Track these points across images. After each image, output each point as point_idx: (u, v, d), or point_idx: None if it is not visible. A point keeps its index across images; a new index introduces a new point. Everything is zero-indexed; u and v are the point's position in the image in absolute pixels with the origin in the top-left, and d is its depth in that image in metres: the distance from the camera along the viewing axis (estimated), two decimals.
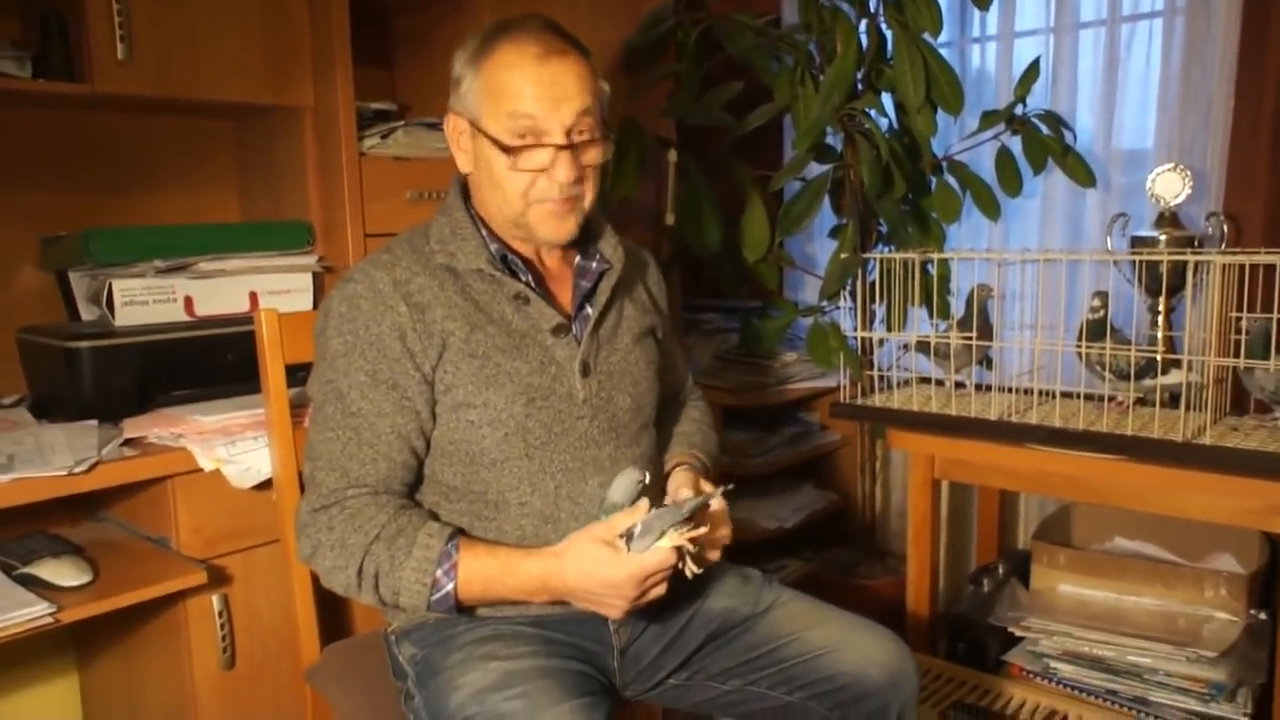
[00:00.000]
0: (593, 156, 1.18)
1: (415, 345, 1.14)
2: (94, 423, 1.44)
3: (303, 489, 1.18)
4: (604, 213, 1.30)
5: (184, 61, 1.62)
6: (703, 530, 1.10)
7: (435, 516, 1.18)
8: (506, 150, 1.14)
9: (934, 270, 2.17)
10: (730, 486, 1.19)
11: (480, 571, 1.11)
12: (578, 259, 1.26)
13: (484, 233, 1.21)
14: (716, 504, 1.18)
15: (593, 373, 1.22)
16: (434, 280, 1.17)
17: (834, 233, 2.33)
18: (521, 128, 1.14)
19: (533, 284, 1.21)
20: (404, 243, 1.21)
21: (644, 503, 1.11)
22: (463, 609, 1.13)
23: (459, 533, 1.14)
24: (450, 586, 1.10)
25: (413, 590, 1.09)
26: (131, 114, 1.80)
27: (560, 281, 1.26)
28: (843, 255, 2.12)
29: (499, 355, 1.16)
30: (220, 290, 1.66)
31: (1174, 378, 1.77)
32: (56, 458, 1.28)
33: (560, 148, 1.14)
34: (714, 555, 1.20)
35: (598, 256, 1.26)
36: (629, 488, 1.13)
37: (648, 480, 1.13)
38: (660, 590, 1.11)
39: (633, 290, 1.33)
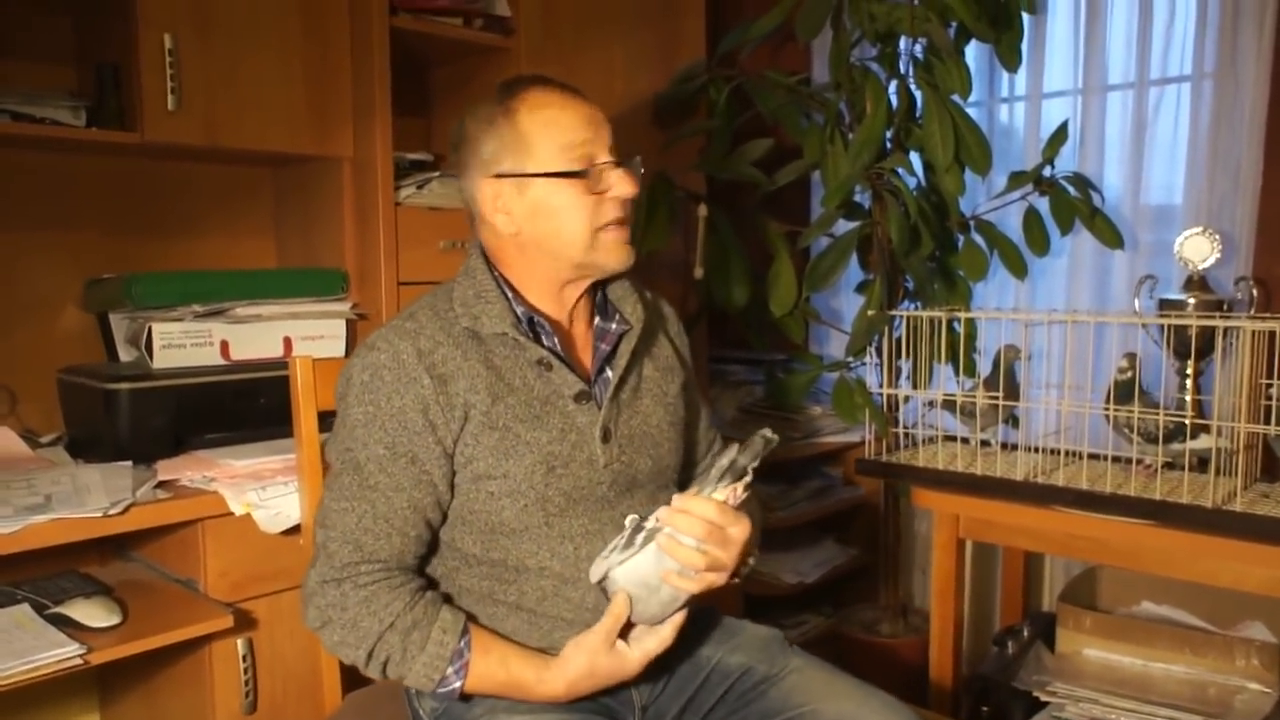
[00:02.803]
0: (634, 170, 1.22)
1: (438, 418, 1.13)
2: (129, 464, 1.47)
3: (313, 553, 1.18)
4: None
5: (230, 112, 1.67)
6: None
7: (449, 599, 1.18)
8: (579, 175, 1.16)
9: (960, 328, 2.17)
10: (773, 438, 1.15)
11: (488, 671, 1.13)
12: (597, 321, 1.26)
13: (509, 295, 1.21)
14: (721, 495, 1.12)
15: (613, 438, 1.21)
16: (457, 349, 1.16)
17: (861, 288, 2.35)
18: (579, 155, 1.16)
19: (557, 349, 1.20)
20: (427, 307, 1.20)
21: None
22: (466, 699, 1.15)
23: (470, 626, 1.14)
24: (458, 684, 1.12)
25: (421, 681, 1.11)
26: (176, 161, 1.85)
27: (582, 345, 1.26)
28: (870, 311, 2.13)
29: (519, 426, 1.16)
30: (256, 335, 1.69)
31: (1203, 442, 1.75)
32: (92, 499, 1.30)
33: (614, 164, 1.18)
34: (718, 556, 1.11)
35: (617, 317, 1.26)
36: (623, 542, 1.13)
37: (642, 522, 1.13)
38: (667, 640, 1.14)
39: (653, 348, 1.32)
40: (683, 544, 1.08)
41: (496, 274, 1.22)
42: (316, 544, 1.15)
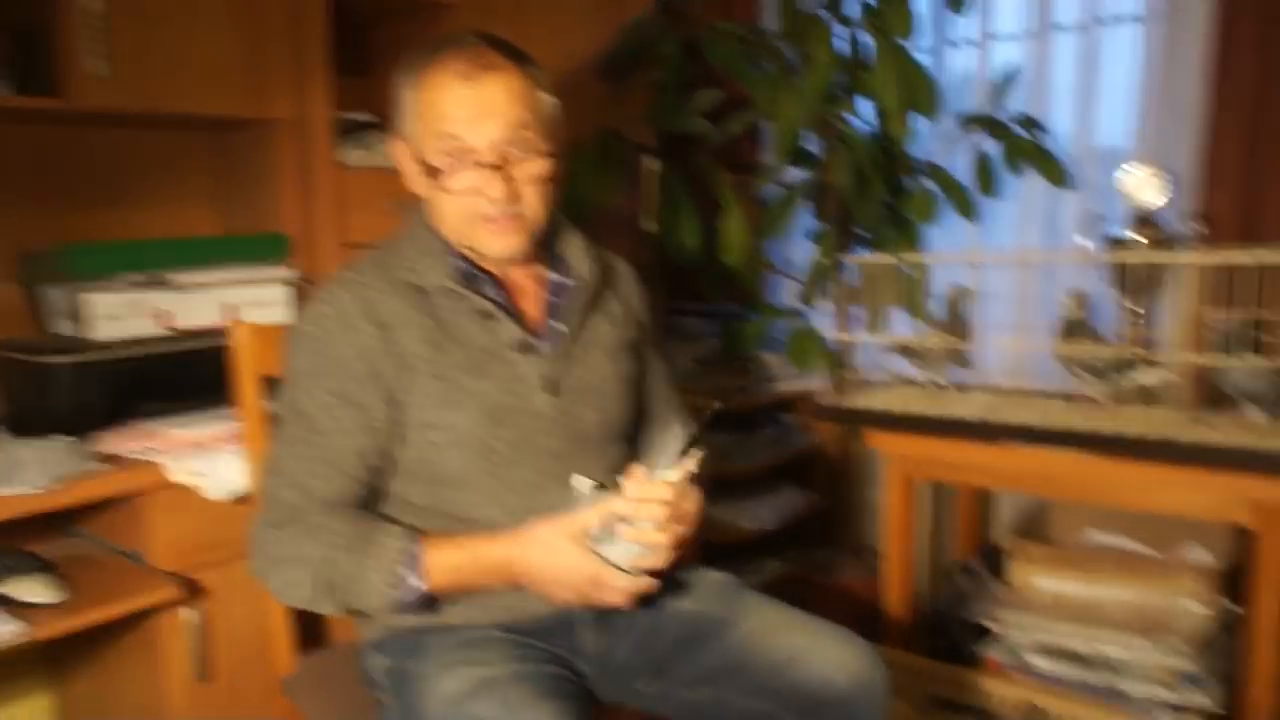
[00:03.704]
0: (530, 171, 1.17)
1: (382, 366, 1.14)
2: (67, 438, 1.44)
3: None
4: (573, 222, 1.31)
5: (162, 75, 1.62)
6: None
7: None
8: (432, 173, 1.15)
9: (912, 272, 2.18)
10: (719, 406, 1.21)
11: (446, 562, 1.12)
12: (548, 274, 1.26)
13: (448, 248, 1.21)
14: (675, 475, 1.15)
15: (559, 390, 1.22)
16: (401, 300, 1.17)
17: (813, 236, 2.35)
18: (449, 148, 1.14)
19: (500, 300, 1.21)
20: (371, 260, 1.21)
21: (608, 498, 1.12)
22: (431, 605, 1.14)
23: (419, 532, 1.14)
24: (419, 585, 1.11)
25: (378, 594, 1.10)
26: (109, 128, 1.80)
27: (530, 296, 1.25)
28: (822, 258, 2.13)
29: (463, 376, 1.16)
30: (197, 304, 1.67)
31: (1148, 376, 1.78)
32: (27, 475, 1.29)
33: (489, 166, 1.14)
34: (678, 530, 1.16)
35: (568, 271, 1.26)
36: (589, 492, 1.14)
37: (606, 484, 1.14)
38: (618, 601, 1.13)
39: (606, 303, 1.32)
40: (645, 530, 1.11)
41: (436, 228, 1.22)
42: (263, 491, 1.16)
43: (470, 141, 1.13)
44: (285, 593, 1.14)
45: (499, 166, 1.14)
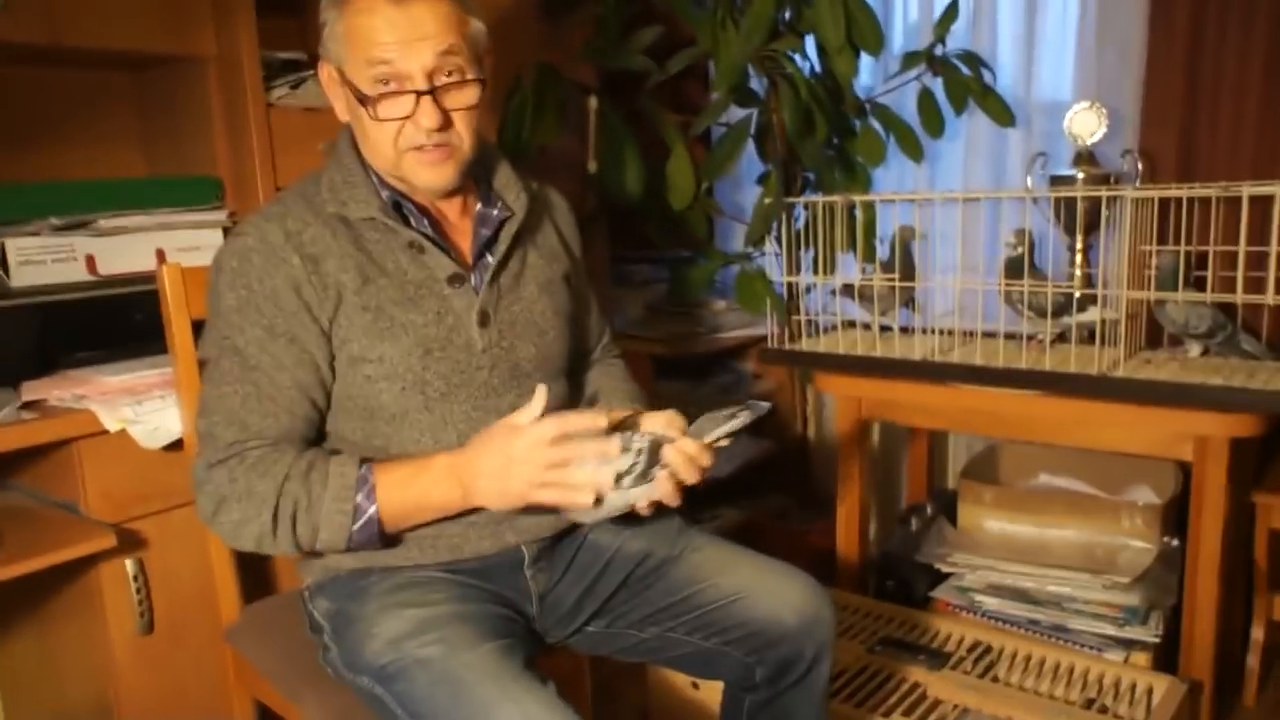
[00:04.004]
0: (461, 99, 1.13)
1: (311, 297, 1.11)
2: None
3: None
4: (504, 155, 1.28)
5: (72, 7, 1.54)
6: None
7: None
8: (364, 100, 1.10)
9: (859, 214, 2.18)
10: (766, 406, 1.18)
11: (397, 488, 1.08)
12: (478, 206, 1.23)
13: (375, 180, 1.17)
14: (723, 442, 1.16)
15: (492, 322, 1.19)
16: (327, 230, 1.13)
17: (761, 179, 2.33)
18: (380, 74, 1.09)
19: (429, 232, 1.17)
20: (295, 193, 1.17)
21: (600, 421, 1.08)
22: (386, 538, 1.10)
23: (368, 460, 1.11)
24: (373, 510, 1.07)
25: (334, 523, 1.06)
26: (22, 65, 1.72)
27: (460, 229, 1.22)
28: (767, 200, 2.11)
29: (393, 308, 1.13)
30: (125, 248, 1.60)
31: (1091, 314, 1.80)
32: None
33: (421, 93, 1.10)
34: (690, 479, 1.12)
35: (499, 204, 1.23)
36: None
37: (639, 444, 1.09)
38: (582, 498, 1.05)
39: (538, 236, 1.29)
40: (671, 483, 1.10)
41: (363, 159, 1.18)
42: (200, 433, 1.11)
43: (401, 66, 1.09)
44: (235, 534, 1.09)
45: (430, 93, 1.10)
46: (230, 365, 1.11)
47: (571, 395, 1.33)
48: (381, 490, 1.08)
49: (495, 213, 1.22)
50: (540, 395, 1.07)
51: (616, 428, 1.15)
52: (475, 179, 1.23)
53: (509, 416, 1.07)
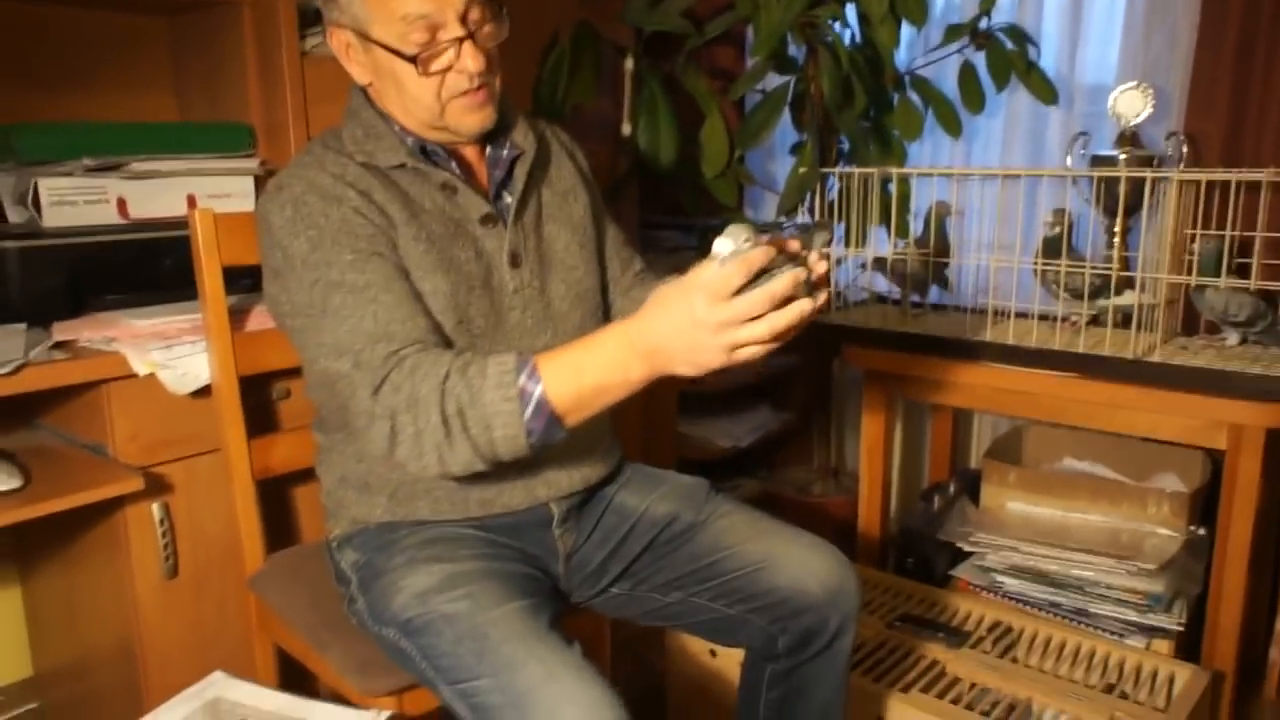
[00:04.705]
0: (496, 35, 1.12)
1: (377, 221, 1.09)
2: (21, 325, 1.39)
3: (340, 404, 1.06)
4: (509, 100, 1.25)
5: None
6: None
7: None
8: (411, 60, 1.08)
9: (894, 188, 2.15)
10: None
11: (564, 367, 0.99)
12: (488, 149, 1.21)
13: (396, 129, 1.15)
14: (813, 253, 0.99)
15: (523, 262, 1.18)
16: (365, 172, 1.12)
17: (795, 149, 2.30)
18: (419, 28, 1.07)
19: (459, 173, 1.17)
20: (319, 145, 1.16)
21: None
22: (558, 423, 0.99)
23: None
24: (539, 390, 0.97)
25: (503, 414, 0.97)
26: (58, 5, 1.71)
27: (479, 173, 1.21)
28: (802, 170, 2.09)
29: (441, 241, 1.12)
30: (156, 193, 1.59)
31: (1127, 298, 1.77)
32: None
33: (461, 39, 1.08)
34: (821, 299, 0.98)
35: (508, 145, 1.21)
36: (737, 240, 0.94)
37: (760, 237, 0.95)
38: (757, 351, 0.94)
39: (551, 173, 1.27)
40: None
41: (379, 109, 1.17)
42: (345, 374, 1.03)
43: (437, 17, 1.07)
44: (416, 451, 1.00)
45: (470, 37, 1.09)
46: (340, 299, 1.05)
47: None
48: (546, 370, 0.98)
49: (505, 153, 1.21)
50: (715, 256, 0.94)
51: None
52: None
53: (683, 280, 0.95)
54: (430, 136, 1.16)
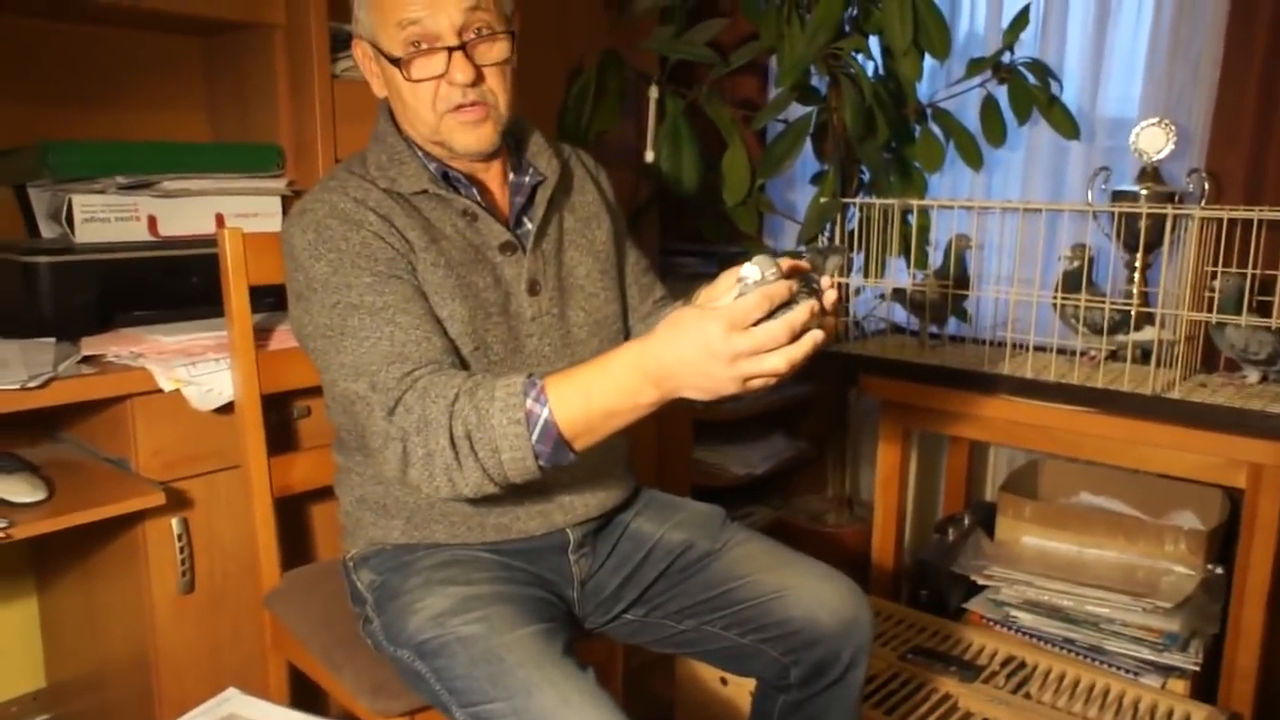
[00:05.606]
0: (492, 53, 1.12)
1: (397, 245, 1.10)
2: (51, 340, 1.41)
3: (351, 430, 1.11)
4: (535, 127, 1.28)
5: None
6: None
7: None
8: (396, 62, 1.10)
9: (914, 220, 2.16)
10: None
11: (571, 389, 0.97)
12: (510, 175, 1.23)
13: (421, 155, 1.17)
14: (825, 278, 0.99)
15: (542, 290, 1.19)
16: (387, 198, 1.14)
17: (816, 179, 2.31)
18: (411, 35, 1.09)
19: (480, 200, 1.18)
20: (344, 170, 1.18)
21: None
22: (566, 446, 0.98)
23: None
24: (545, 413, 0.96)
25: (510, 436, 0.96)
26: (94, 25, 1.74)
27: (501, 200, 1.22)
28: (823, 199, 2.10)
29: (460, 267, 1.14)
30: (185, 211, 1.62)
31: (1147, 334, 1.77)
32: (9, 372, 1.25)
33: (452, 49, 1.09)
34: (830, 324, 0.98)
35: (530, 170, 1.23)
36: (765, 270, 0.94)
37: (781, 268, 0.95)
38: (778, 371, 0.92)
39: (574, 199, 1.28)
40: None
41: (405, 135, 1.18)
42: (361, 395, 1.04)
43: (430, 25, 1.09)
44: (428, 472, 1.00)
45: (460, 48, 1.10)
46: (358, 320, 1.06)
47: None
48: (553, 392, 0.97)
49: (528, 179, 1.22)
50: (729, 281, 0.94)
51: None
52: (508, 149, 1.23)
53: (695, 308, 0.95)
54: (438, 154, 1.18)
